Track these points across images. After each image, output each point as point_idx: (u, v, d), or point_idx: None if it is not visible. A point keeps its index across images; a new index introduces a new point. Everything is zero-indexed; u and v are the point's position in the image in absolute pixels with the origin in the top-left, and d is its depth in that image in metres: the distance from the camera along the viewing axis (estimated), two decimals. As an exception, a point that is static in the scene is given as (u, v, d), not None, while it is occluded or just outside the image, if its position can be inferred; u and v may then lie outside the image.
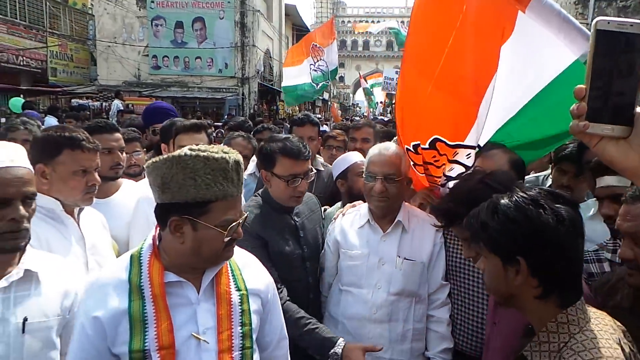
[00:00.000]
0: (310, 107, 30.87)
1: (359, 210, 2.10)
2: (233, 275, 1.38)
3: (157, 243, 1.31)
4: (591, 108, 0.77)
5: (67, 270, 1.50)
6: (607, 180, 1.56)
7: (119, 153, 2.32)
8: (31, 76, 18.05)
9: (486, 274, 1.21)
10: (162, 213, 1.25)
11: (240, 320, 1.32)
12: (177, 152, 1.21)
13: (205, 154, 1.19)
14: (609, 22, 0.76)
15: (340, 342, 1.72)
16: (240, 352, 1.30)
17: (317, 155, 3.12)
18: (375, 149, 2.04)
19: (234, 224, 1.24)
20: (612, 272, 1.55)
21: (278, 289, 1.64)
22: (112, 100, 13.81)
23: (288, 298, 1.86)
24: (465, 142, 1.93)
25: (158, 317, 1.22)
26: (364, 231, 2.02)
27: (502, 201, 1.13)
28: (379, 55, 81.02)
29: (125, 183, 2.48)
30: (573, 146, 2.26)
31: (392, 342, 1.90)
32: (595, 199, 1.84)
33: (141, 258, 1.29)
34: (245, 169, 2.97)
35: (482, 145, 2.02)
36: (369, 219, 2.01)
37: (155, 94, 18.22)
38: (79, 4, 21.77)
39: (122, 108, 12.16)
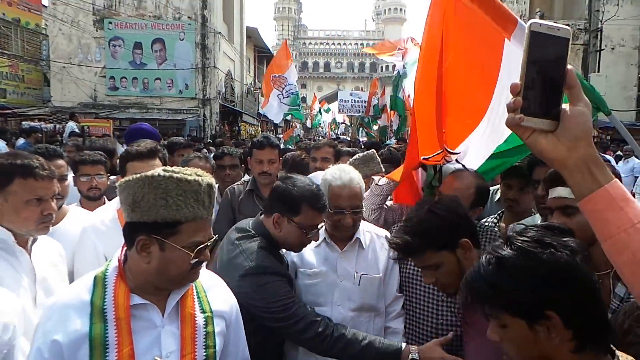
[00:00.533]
0: (273, 128, 30.95)
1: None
2: (198, 297, 1.37)
3: (123, 264, 1.29)
4: (525, 103, 0.83)
5: (5, 303, 1.42)
6: (559, 192, 1.57)
7: (57, 182, 2.20)
8: (-22, 98, 17.26)
9: (509, 343, 0.99)
10: (130, 232, 1.24)
11: (204, 343, 1.32)
12: (150, 172, 1.20)
13: (178, 175, 1.20)
14: (540, 25, 0.83)
15: (411, 348, 1.67)
16: None
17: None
18: (338, 181, 1.99)
19: (201, 245, 1.24)
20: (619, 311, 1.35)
21: (318, 321, 1.67)
22: (67, 122, 13.35)
23: (344, 326, 1.76)
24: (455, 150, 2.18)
25: (120, 342, 1.20)
26: (321, 250, 2.03)
27: (504, 253, 0.96)
28: (340, 77, 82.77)
29: (71, 211, 2.38)
30: (519, 162, 2.40)
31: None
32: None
33: (106, 280, 1.26)
34: None
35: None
36: (325, 238, 2.03)
37: (112, 115, 17.78)
38: (31, 24, 21.11)
39: (76, 130, 11.76)
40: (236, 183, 3.16)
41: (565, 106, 0.85)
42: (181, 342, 1.28)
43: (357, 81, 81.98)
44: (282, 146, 4.20)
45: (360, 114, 12.98)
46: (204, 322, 1.34)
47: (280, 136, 27.92)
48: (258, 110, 25.87)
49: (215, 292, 1.43)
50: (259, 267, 1.71)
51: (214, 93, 19.74)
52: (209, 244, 1.27)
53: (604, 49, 16.57)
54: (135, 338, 1.22)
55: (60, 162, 2.25)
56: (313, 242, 2.03)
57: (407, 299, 2.00)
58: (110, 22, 18.87)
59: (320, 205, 1.81)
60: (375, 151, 3.24)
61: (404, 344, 1.71)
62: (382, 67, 77.76)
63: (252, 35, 27.94)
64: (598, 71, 16.31)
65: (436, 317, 1.89)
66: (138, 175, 1.20)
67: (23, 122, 15.21)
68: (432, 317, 1.90)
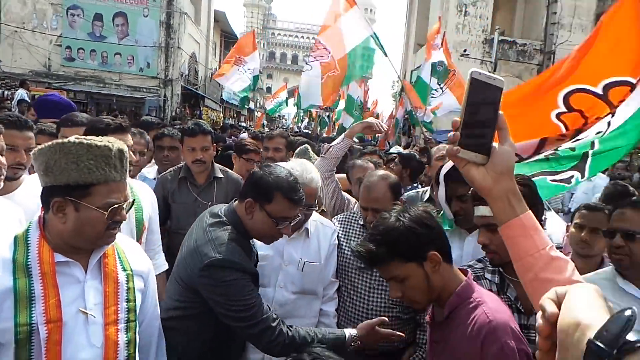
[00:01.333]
0: (235, 115, 30.57)
1: None
2: (119, 257, 1.49)
3: (42, 228, 1.39)
4: (462, 137, 0.96)
5: None
6: (482, 210, 1.63)
7: (24, 153, 2.14)
8: None
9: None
10: (46, 196, 1.34)
11: (126, 297, 1.45)
12: (61, 140, 1.32)
13: (88, 141, 1.32)
14: (480, 74, 0.96)
15: (351, 331, 1.78)
16: (125, 324, 1.43)
17: (217, 164, 3.06)
18: (299, 179, 2.00)
19: (115, 206, 1.35)
20: None
21: (273, 328, 1.67)
22: (16, 89, 12.69)
23: (290, 326, 1.77)
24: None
25: (46, 294, 1.30)
26: None
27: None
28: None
29: (27, 179, 2.39)
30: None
31: None
32: None
33: (28, 239, 1.35)
34: (139, 164, 2.89)
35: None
36: None
37: (67, 86, 17.06)
38: (-18, -19, 19.80)
39: (26, 98, 11.22)
40: (167, 171, 3.06)
41: (494, 144, 1.00)
42: (104, 296, 1.41)
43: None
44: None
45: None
46: (126, 279, 1.47)
47: (243, 123, 27.63)
48: (221, 95, 25.48)
49: (133, 254, 1.57)
50: (226, 261, 1.65)
51: (176, 74, 19.30)
52: (124, 205, 1.38)
53: (555, 70, 17.59)
54: (61, 291, 1.32)
55: (29, 134, 2.23)
56: None
57: (342, 284, 2.19)
58: (70, -11, 18.03)
59: (295, 197, 1.77)
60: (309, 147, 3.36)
61: (346, 331, 1.81)
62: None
63: (220, 19, 27.45)
64: (548, 90, 17.31)
65: (368, 301, 2.10)
66: (49, 143, 1.32)
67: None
68: (364, 300, 2.11)
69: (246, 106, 29.35)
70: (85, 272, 1.40)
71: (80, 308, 1.35)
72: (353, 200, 2.80)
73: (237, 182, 2.95)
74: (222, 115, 26.33)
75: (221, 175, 2.95)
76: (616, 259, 1.78)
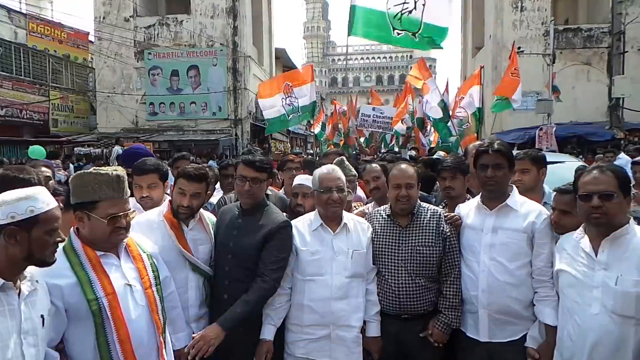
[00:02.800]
0: (302, 144, 31.82)
1: (310, 218, 2.68)
2: (137, 244, 2.10)
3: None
4: None
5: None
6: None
7: None
8: (33, 128, 19.01)
9: None
10: (74, 210, 1.93)
11: (151, 269, 2.07)
12: (79, 172, 1.95)
13: (95, 171, 1.92)
14: None
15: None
16: (155, 287, 2.05)
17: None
18: (324, 170, 2.65)
19: (114, 215, 1.89)
20: None
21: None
22: (113, 147, 14.62)
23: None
24: None
25: (99, 277, 1.88)
26: (317, 233, 2.61)
27: None
28: (369, 90, 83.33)
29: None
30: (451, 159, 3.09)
31: (350, 313, 2.51)
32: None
33: (73, 245, 1.91)
34: (211, 192, 3.53)
35: None
36: (321, 223, 2.61)
37: (152, 138, 19.12)
38: (79, 59, 23.07)
39: (121, 153, 12.95)
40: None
41: None
42: (138, 271, 2.00)
43: (387, 94, 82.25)
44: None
45: (382, 130, 13.15)
46: (147, 257, 2.09)
47: (310, 150, 28.61)
48: (288, 128, 26.77)
49: (143, 241, 2.16)
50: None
51: (244, 113, 20.83)
52: (121, 214, 1.91)
53: (627, 51, 16.49)
54: (108, 273, 1.90)
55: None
56: (310, 227, 2.60)
57: (379, 268, 2.64)
58: (149, 53, 20.41)
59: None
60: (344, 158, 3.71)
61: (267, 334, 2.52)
62: (411, 79, 77.74)
63: (281, 56, 29.13)
64: (623, 73, 16.23)
65: (398, 278, 2.55)
66: (75, 174, 1.98)
67: (75, 148, 16.70)
68: (396, 281, 2.56)
69: (311, 132, 30.52)
70: (119, 258, 1.99)
71: (125, 282, 1.94)
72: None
73: (280, 198, 3.43)
74: (289, 145, 27.60)
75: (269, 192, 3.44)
76: (594, 218, 2.01)
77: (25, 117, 18.47)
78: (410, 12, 5.42)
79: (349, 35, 5.89)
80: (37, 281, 1.72)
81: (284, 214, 2.82)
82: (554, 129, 12.51)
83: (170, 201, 2.61)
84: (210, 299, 2.64)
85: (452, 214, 2.66)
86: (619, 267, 1.97)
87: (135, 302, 1.94)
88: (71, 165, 11.52)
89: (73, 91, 21.59)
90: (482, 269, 2.44)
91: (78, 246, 1.93)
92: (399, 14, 5.44)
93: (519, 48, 16.13)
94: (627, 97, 15.69)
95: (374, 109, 12.82)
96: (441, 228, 2.58)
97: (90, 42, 22.57)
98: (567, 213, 2.37)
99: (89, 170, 1.96)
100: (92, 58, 22.65)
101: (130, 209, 2.01)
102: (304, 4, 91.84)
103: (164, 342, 2.05)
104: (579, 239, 2.15)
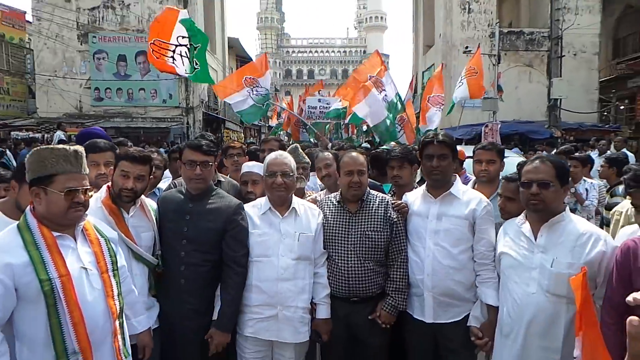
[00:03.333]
0: (256, 134, 31.50)
1: (260, 203, 2.74)
2: (96, 229, 2.07)
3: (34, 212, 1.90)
4: None
5: None
6: None
7: None
8: (-36, 111, 17.63)
9: None
10: (29, 187, 1.89)
11: (108, 254, 2.04)
12: (35, 148, 1.92)
13: (52, 146, 1.91)
14: None
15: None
16: (112, 272, 2.03)
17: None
18: (272, 155, 2.73)
19: (71, 189, 1.86)
20: None
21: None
22: (55, 132, 13.86)
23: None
24: None
25: (54, 258, 1.83)
26: (266, 217, 2.66)
27: None
28: (324, 83, 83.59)
29: None
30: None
31: (297, 294, 2.57)
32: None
33: (28, 224, 1.86)
34: (160, 177, 3.46)
35: None
36: (270, 207, 2.66)
37: (98, 124, 18.24)
38: (16, 39, 21.54)
39: (64, 139, 12.31)
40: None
41: None
42: (95, 255, 1.97)
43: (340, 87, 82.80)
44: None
45: (328, 121, 13.38)
46: (105, 242, 2.06)
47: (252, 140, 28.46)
48: (265, 115, 26.42)
49: (103, 226, 2.14)
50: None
51: (196, 102, 20.36)
52: (78, 189, 1.88)
53: (564, 55, 17.60)
54: (64, 256, 1.86)
55: None
56: (259, 211, 2.65)
57: (329, 252, 2.71)
58: (94, 37, 19.44)
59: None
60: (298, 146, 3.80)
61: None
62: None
63: (234, 45, 28.61)
64: (560, 76, 17.32)
65: (348, 265, 2.64)
66: (31, 151, 1.92)
67: (11, 133, 15.65)
68: (346, 265, 2.64)
69: (265, 124, 30.23)
70: (75, 241, 1.95)
71: (80, 265, 1.90)
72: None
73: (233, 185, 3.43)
74: (242, 135, 27.29)
75: (222, 179, 3.42)
76: (532, 204, 2.19)
77: (-46, 98, 17.09)
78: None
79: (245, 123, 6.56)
80: None
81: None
82: (499, 126, 13.17)
83: (109, 187, 2.51)
84: (163, 286, 2.59)
85: (399, 202, 2.77)
86: (554, 250, 2.15)
87: (90, 286, 1.90)
88: (7, 151, 10.81)
89: (9, 73, 20.18)
90: (427, 254, 2.58)
91: (33, 225, 1.87)
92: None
93: (466, 48, 16.84)
94: (564, 99, 16.78)
95: (319, 100, 12.92)
96: (389, 214, 2.68)
97: (28, 22, 21.13)
98: (512, 200, 2.57)
99: (43, 147, 1.91)
100: (29, 39, 21.23)
101: (88, 186, 1.95)
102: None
103: (120, 328, 2.03)
104: (521, 224, 2.34)
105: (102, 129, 4.81)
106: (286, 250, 2.58)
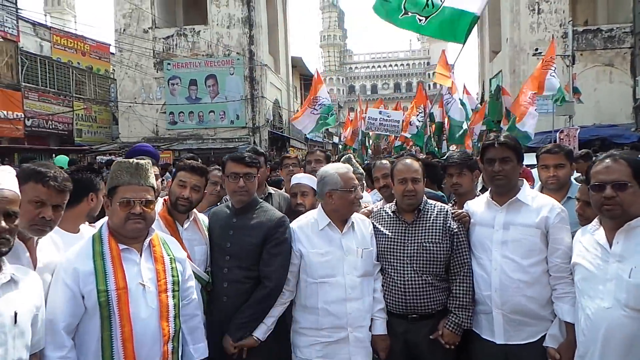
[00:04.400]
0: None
1: (314, 218, 2.60)
2: (163, 246, 2.06)
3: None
4: None
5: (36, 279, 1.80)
6: None
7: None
8: (58, 138, 19.55)
9: None
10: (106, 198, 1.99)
11: (171, 273, 2.02)
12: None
13: (120, 159, 2.01)
14: None
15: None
16: (172, 292, 2.00)
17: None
18: (343, 168, 2.58)
19: (125, 200, 1.91)
20: None
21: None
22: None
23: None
24: None
25: (115, 271, 1.87)
26: (324, 233, 2.54)
27: None
28: (387, 98, 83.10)
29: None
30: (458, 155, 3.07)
31: (366, 313, 2.48)
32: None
33: (102, 235, 1.95)
34: (222, 195, 3.28)
35: None
36: (330, 222, 2.54)
37: (172, 147, 19.41)
38: (102, 70, 23.68)
39: (129, 150, 13.22)
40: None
41: None
42: (156, 272, 1.96)
43: (405, 101, 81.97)
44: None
45: (388, 132, 13.34)
46: (170, 261, 2.04)
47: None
48: (305, 135, 26.94)
49: (173, 245, 2.14)
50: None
51: (262, 121, 21.01)
52: (133, 199, 1.91)
53: (651, 51, 16.09)
54: (125, 269, 1.89)
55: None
56: (316, 227, 2.54)
57: (383, 265, 2.59)
58: (168, 63, 20.82)
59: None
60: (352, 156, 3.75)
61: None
62: (429, 85, 77.35)
63: (298, 64, 29.34)
64: (647, 74, 15.84)
65: (404, 275, 2.49)
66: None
67: (97, 157, 17.08)
68: (401, 278, 2.50)
69: (329, 141, 30.52)
70: (140, 255, 1.97)
71: (139, 281, 1.91)
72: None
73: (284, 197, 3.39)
74: (307, 152, 27.67)
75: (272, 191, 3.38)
76: (607, 209, 1.94)
77: (50, 127, 19.04)
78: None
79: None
80: (16, 276, 1.63)
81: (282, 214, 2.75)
82: (577, 131, 12.24)
83: (165, 200, 2.56)
84: (208, 302, 2.55)
85: (460, 211, 2.60)
86: (633, 259, 1.89)
87: (145, 304, 1.89)
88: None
89: (96, 102, 22.17)
90: (494, 267, 2.36)
91: (105, 235, 1.95)
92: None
93: (536, 50, 15.93)
94: (652, 98, 15.28)
95: (380, 112, 13.00)
96: (448, 225, 2.52)
97: (112, 53, 23.16)
98: (590, 204, 2.30)
99: (117, 160, 2.06)
100: (113, 69, 23.21)
101: (149, 199, 1.96)
102: (320, 13, 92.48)
103: (170, 352, 1.96)
104: (594, 230, 2.08)
105: (150, 146, 5.08)
106: (351, 268, 2.48)
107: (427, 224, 2.55)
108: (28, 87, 18.08)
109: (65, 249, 2.00)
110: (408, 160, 2.65)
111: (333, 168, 2.60)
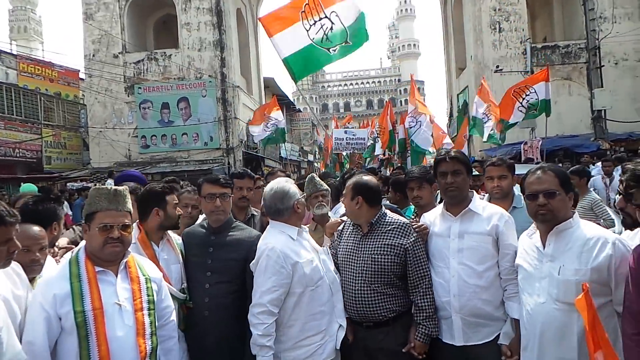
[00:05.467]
0: (296, 170, 31.99)
1: (280, 232, 2.55)
2: (139, 267, 2.17)
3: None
4: None
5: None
6: None
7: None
8: (27, 166, 19.10)
9: None
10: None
11: (146, 292, 2.11)
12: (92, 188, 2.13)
13: (97, 186, 2.10)
14: None
15: None
16: (147, 311, 2.08)
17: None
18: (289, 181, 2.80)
19: (103, 225, 1.99)
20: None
21: None
22: (106, 180, 14.71)
23: None
24: None
25: (91, 291, 1.95)
26: (299, 242, 2.58)
27: None
28: (359, 115, 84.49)
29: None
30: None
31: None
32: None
33: (78, 258, 2.03)
34: (196, 217, 3.32)
35: None
36: (298, 231, 2.60)
37: (145, 171, 19.17)
38: (71, 96, 23.37)
39: (116, 176, 13.12)
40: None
41: None
42: (132, 292, 2.05)
43: (379, 118, 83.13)
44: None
45: (356, 151, 13.76)
46: (145, 281, 2.13)
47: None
48: (280, 154, 27.06)
49: (147, 266, 2.23)
50: None
51: (236, 142, 21.05)
52: (112, 224, 2.00)
53: (604, 65, 16.99)
54: (101, 290, 1.97)
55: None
56: (290, 239, 2.54)
57: (341, 273, 2.75)
58: (139, 87, 20.72)
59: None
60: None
61: None
62: (400, 101, 78.95)
63: (270, 85, 29.61)
64: (602, 86, 16.67)
65: (354, 287, 2.61)
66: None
67: (68, 184, 16.75)
68: (352, 287, 2.63)
69: (305, 159, 30.73)
70: (116, 276, 2.06)
71: (115, 301, 1.99)
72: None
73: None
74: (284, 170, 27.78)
75: (255, 213, 3.58)
76: (541, 214, 2.15)
77: (18, 155, 18.60)
78: (331, 28, 5.21)
79: (296, 82, 5.64)
80: None
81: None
82: (540, 142, 12.76)
83: (140, 224, 2.63)
84: (187, 317, 2.63)
85: (420, 224, 2.74)
86: (562, 258, 2.11)
87: (122, 322, 1.97)
88: (65, 202, 11.67)
89: (65, 128, 21.78)
90: (452, 274, 2.52)
91: (82, 258, 2.03)
92: (324, 37, 5.23)
93: (497, 67, 16.63)
94: (609, 109, 16.08)
95: (345, 131, 13.45)
96: (400, 240, 2.58)
97: (81, 79, 22.93)
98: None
99: (94, 187, 2.14)
100: (83, 95, 22.94)
101: (126, 223, 2.06)
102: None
103: None
104: (531, 234, 2.32)
105: (137, 172, 5.13)
106: (327, 267, 2.64)
107: (379, 237, 2.64)
108: (-6, 115, 17.71)
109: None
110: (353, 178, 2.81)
111: (283, 183, 2.64)
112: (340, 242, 2.80)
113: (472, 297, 2.48)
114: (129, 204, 2.13)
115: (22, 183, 13.00)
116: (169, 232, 2.72)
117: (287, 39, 5.42)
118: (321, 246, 3.28)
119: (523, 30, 19.33)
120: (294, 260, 2.43)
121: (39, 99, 20.37)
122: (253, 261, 2.49)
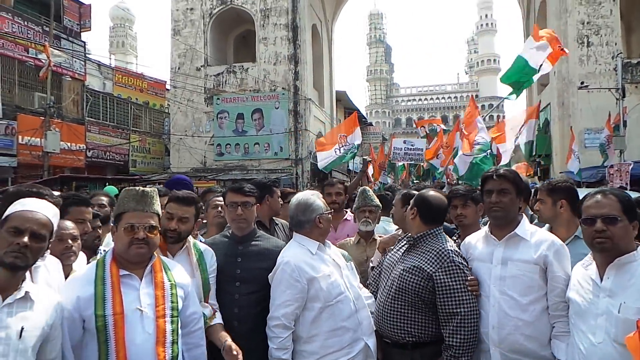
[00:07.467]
0: (361, 184, 31.83)
1: (299, 245, 2.54)
2: (165, 272, 2.07)
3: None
4: None
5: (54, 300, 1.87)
6: None
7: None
8: (115, 168, 20.89)
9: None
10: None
11: (170, 299, 2.01)
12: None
13: (128, 188, 2.09)
14: None
15: None
16: (170, 318, 1.98)
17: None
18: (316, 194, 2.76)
19: (129, 226, 1.96)
20: None
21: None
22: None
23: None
24: None
25: (114, 296, 1.90)
26: (319, 256, 2.54)
27: None
28: (434, 131, 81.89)
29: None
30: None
31: (370, 319, 2.58)
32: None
33: (105, 262, 1.99)
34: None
35: None
36: (319, 245, 2.57)
37: (218, 177, 20.17)
38: (157, 106, 25.28)
39: (168, 180, 13.85)
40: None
41: None
42: (155, 298, 1.97)
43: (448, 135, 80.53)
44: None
45: (413, 161, 13.35)
46: (170, 287, 2.04)
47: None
48: (348, 166, 27.11)
49: (176, 271, 2.14)
50: None
51: (305, 153, 21.45)
52: (137, 225, 1.96)
53: None
54: (123, 295, 1.92)
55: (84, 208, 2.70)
56: (309, 253, 2.52)
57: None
58: (218, 98, 21.92)
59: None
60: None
61: None
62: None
63: (342, 98, 29.92)
64: None
65: (380, 298, 2.53)
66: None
67: (147, 186, 18.03)
68: (380, 297, 2.54)
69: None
70: (141, 281, 2.00)
71: (137, 306, 1.93)
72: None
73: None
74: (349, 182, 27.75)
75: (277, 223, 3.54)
76: (598, 242, 1.92)
77: (108, 158, 20.43)
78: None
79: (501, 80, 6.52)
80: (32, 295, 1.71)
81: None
82: (631, 166, 11.60)
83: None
84: None
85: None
86: (623, 294, 1.87)
87: (142, 329, 1.90)
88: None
89: (150, 134, 23.56)
90: (492, 304, 2.33)
91: (107, 261, 1.99)
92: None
93: (582, 83, 15.44)
94: None
95: (404, 141, 12.99)
96: (425, 266, 2.43)
97: (167, 90, 24.71)
98: None
99: (125, 188, 2.12)
100: (168, 104, 24.69)
101: (152, 224, 2.01)
102: (367, 48, 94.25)
103: None
104: (587, 265, 2.07)
105: (186, 177, 5.32)
106: (350, 282, 2.59)
107: (416, 256, 2.54)
108: (90, 121, 19.62)
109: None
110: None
111: (308, 195, 2.63)
112: (388, 255, 2.75)
113: (513, 331, 2.26)
114: (157, 206, 2.08)
115: (106, 184, 14.23)
116: (191, 239, 2.57)
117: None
118: (367, 262, 3.24)
119: (615, 44, 17.84)
120: (310, 275, 2.39)
121: (130, 107, 22.27)
122: (271, 273, 2.48)
